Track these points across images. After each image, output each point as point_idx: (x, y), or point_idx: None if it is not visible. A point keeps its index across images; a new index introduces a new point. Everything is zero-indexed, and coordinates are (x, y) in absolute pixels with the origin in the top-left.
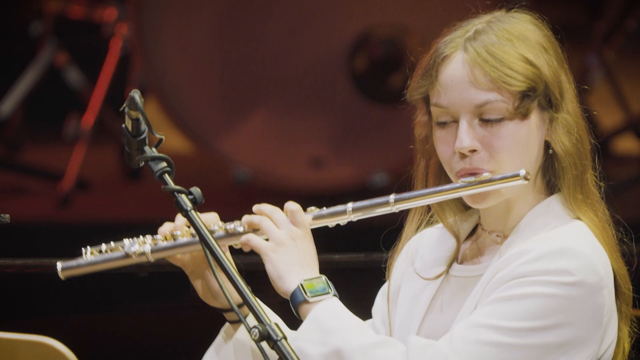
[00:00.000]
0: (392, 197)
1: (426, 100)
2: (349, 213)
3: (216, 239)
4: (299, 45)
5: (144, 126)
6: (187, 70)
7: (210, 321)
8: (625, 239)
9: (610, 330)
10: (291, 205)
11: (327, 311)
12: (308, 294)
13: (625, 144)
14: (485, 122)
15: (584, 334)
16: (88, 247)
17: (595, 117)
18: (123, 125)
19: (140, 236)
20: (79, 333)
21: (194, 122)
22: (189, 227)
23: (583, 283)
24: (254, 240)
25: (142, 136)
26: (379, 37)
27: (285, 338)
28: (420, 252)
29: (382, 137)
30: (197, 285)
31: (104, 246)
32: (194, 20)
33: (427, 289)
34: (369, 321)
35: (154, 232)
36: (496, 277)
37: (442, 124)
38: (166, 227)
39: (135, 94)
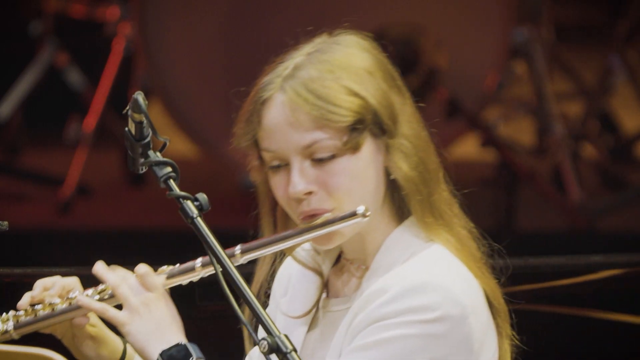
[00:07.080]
0: (238, 248)
1: (256, 144)
2: (198, 269)
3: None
4: None
5: (147, 129)
6: (193, 72)
7: (217, 333)
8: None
9: (485, 352)
10: (140, 269)
11: None
12: None
13: None
14: (317, 161)
15: None
16: None
17: (617, 120)
18: (126, 129)
19: (4, 313)
20: None
21: (200, 125)
22: (44, 298)
23: (446, 317)
24: (111, 312)
25: (146, 140)
26: (392, 37)
27: (295, 350)
28: (291, 282)
29: None
30: (71, 348)
31: None
32: (199, 19)
33: (299, 326)
34: None
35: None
36: (357, 319)
37: (275, 168)
38: (25, 300)
39: (139, 96)
